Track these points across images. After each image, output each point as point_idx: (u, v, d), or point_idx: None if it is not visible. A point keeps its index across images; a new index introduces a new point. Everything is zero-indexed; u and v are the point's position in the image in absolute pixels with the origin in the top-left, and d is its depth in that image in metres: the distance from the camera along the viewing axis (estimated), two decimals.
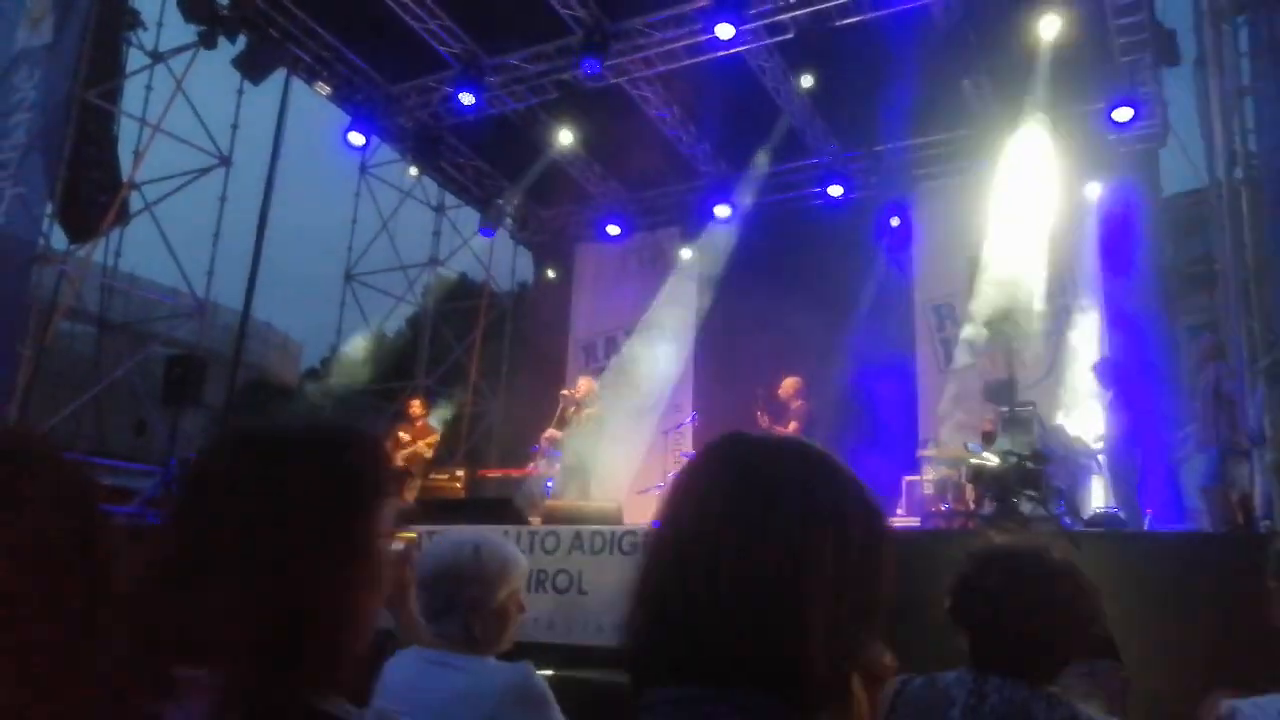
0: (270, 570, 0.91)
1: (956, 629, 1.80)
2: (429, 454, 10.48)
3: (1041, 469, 7.34)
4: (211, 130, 11.78)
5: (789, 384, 9.65)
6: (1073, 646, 1.75)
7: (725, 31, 9.64)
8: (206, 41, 10.60)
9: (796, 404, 9.47)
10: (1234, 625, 3.47)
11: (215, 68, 11.30)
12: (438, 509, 9.04)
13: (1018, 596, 1.72)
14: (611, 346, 13.71)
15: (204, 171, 11.84)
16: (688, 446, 11.47)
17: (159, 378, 10.56)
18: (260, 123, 12.07)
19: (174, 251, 11.37)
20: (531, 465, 10.40)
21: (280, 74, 11.38)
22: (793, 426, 9.30)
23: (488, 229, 14.36)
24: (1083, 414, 9.48)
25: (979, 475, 7.68)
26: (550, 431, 9.83)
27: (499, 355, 15.28)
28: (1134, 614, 3.74)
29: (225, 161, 11.85)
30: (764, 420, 9.36)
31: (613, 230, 13.68)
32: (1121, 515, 7.50)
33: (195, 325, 12.09)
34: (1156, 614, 3.90)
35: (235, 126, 11.98)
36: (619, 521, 7.26)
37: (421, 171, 13.44)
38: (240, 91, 11.96)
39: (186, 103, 11.20)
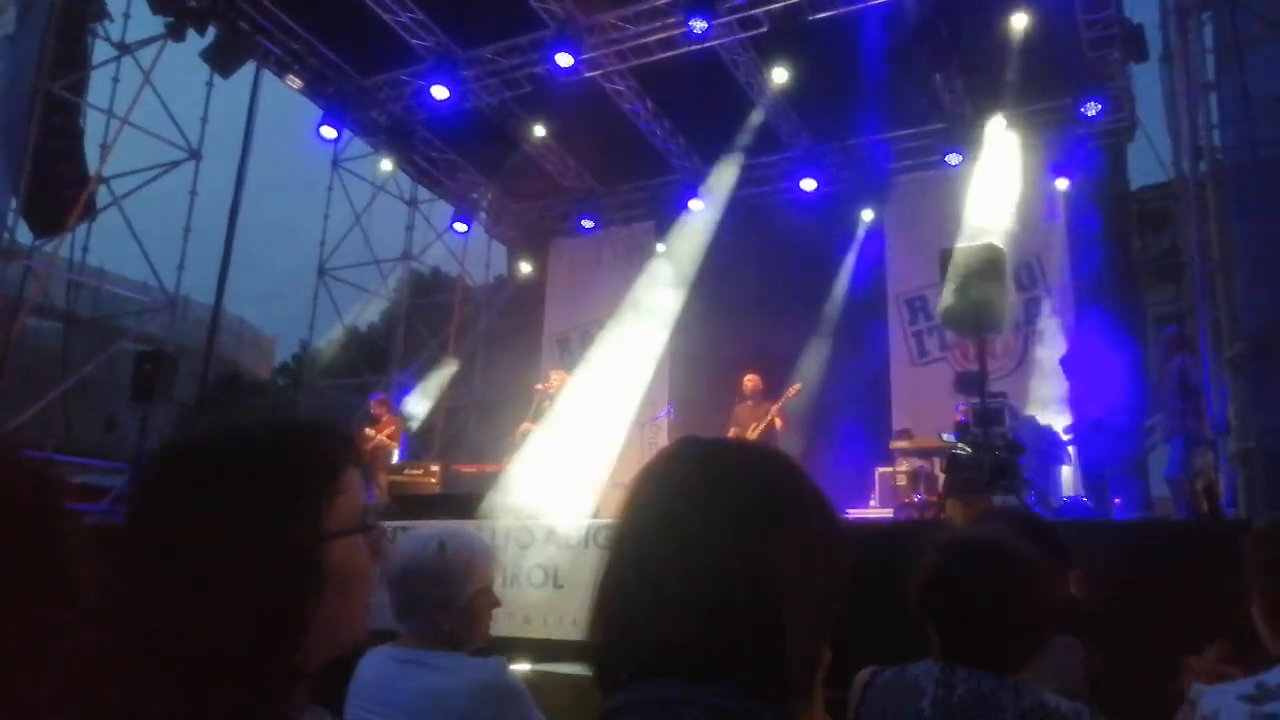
0: (196, 585, 0.86)
1: (925, 620, 1.82)
2: (394, 444, 10.44)
3: (1015, 459, 7.41)
4: (180, 123, 11.64)
5: (753, 380, 9.68)
6: (1040, 635, 1.76)
7: (698, 25, 9.65)
8: (174, 34, 10.46)
9: (770, 403, 9.48)
10: (1200, 611, 3.54)
11: (184, 60, 11.16)
12: (412, 504, 9.01)
13: (983, 589, 1.73)
14: (587, 340, 13.70)
15: (173, 165, 11.69)
16: (664, 439, 11.49)
17: (128, 373, 10.43)
18: (230, 116, 11.95)
19: (143, 246, 11.24)
20: (507, 460, 10.38)
21: (250, 66, 11.26)
22: (780, 425, 9.34)
23: (463, 221, 14.29)
24: (1052, 405, 9.60)
25: (955, 464, 7.75)
26: (525, 425, 9.81)
27: (473, 350, 15.22)
28: (1102, 601, 3.79)
29: (195, 155, 11.71)
30: (749, 418, 9.39)
31: (587, 224, 13.66)
32: (1090, 504, 7.61)
33: (165, 320, 11.95)
34: (1124, 600, 3.96)
35: (205, 120, 11.84)
36: (595, 515, 7.27)
37: (394, 165, 13.34)
38: (209, 84, 11.82)
39: (154, 95, 11.05)
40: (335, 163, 14.14)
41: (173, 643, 0.85)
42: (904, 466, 9.49)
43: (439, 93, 11.16)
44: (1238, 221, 6.58)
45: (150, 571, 0.88)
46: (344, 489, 0.98)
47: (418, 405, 12.86)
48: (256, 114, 11.52)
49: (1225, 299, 6.50)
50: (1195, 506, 7.04)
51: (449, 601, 2.23)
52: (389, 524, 7.18)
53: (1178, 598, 3.80)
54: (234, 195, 11.30)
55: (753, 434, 9.06)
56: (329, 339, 14.85)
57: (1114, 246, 10.73)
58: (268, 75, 11.80)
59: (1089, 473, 8.22)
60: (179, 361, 10.44)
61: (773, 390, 9.65)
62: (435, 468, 10.74)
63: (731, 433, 9.15)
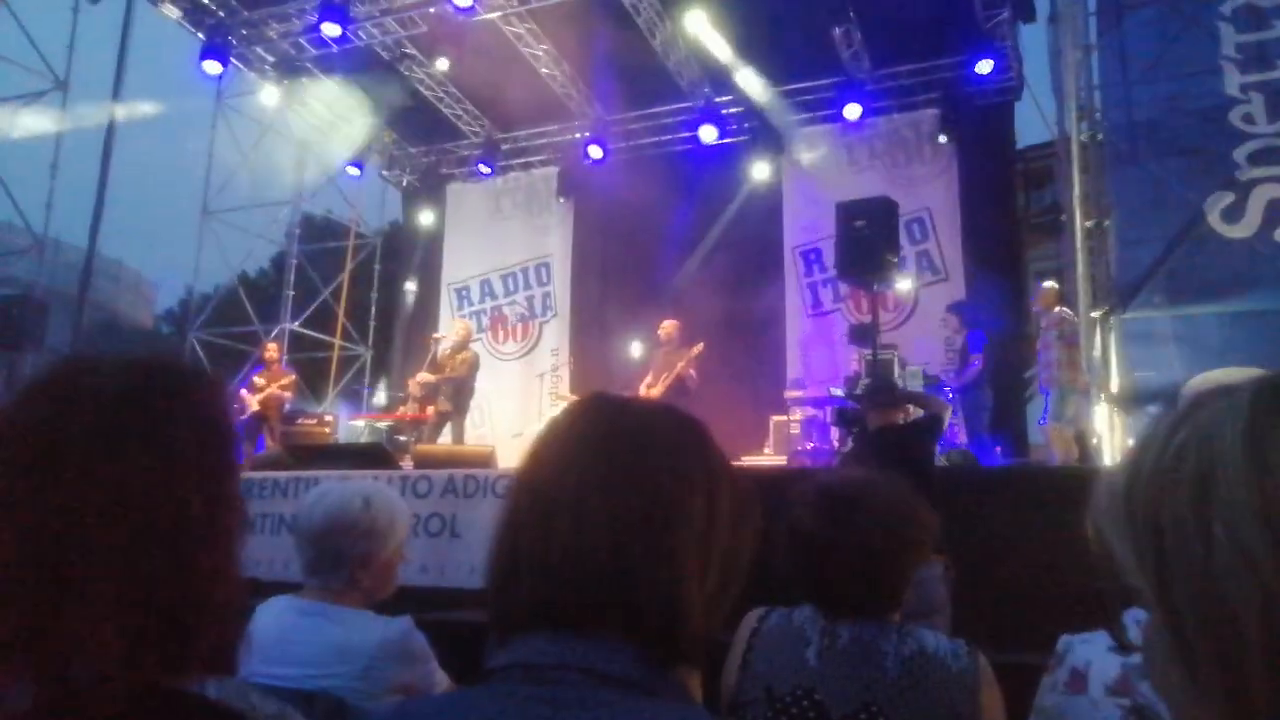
0: (146, 547, 0.80)
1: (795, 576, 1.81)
2: (288, 395, 10.17)
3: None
4: (44, 51, 10.89)
5: (667, 327, 9.63)
6: (906, 572, 1.78)
7: None
8: None
9: (682, 352, 9.43)
10: (1070, 552, 3.75)
11: None
12: (306, 454, 8.80)
13: (841, 541, 1.73)
14: (486, 288, 13.53)
15: (37, 95, 10.95)
16: (563, 390, 11.49)
17: None
18: (101, 45, 11.23)
19: (5, 183, 10.54)
20: (402, 410, 10.24)
21: None
22: (693, 378, 9.25)
23: (355, 165, 13.83)
24: (940, 356, 9.96)
25: (842, 416, 7.99)
26: (422, 375, 9.66)
27: (368, 298, 14.86)
28: (981, 542, 3.99)
29: (62, 86, 10.98)
30: (662, 367, 9.34)
31: (485, 170, 13.40)
32: (973, 451, 7.96)
33: (33, 262, 11.28)
34: (1002, 541, 4.17)
35: (71, 47, 11.09)
36: (493, 465, 7.24)
37: (284, 104, 12.75)
38: (75, 10, 11.05)
39: (12, 18, 10.29)
40: (219, 99, 13.47)
41: (91, 620, 0.78)
42: (797, 415, 9.73)
43: (330, 30, 10.69)
44: (1112, 181, 6.87)
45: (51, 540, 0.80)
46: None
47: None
48: (130, 43, 10.84)
49: (1100, 256, 6.82)
50: (1068, 452, 7.43)
51: (371, 558, 2.25)
52: (283, 475, 7.00)
53: (1051, 536, 4.02)
54: (107, 130, 10.66)
55: (663, 384, 9.00)
56: (216, 284, 14.27)
57: (1001, 203, 11.11)
58: (142, 2, 11.09)
59: (972, 420, 8.55)
60: (49, 306, 9.89)
61: (687, 337, 9.62)
62: (329, 418, 10.53)
63: (647, 379, 9.14)
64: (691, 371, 9.14)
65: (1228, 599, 0.52)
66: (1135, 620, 1.65)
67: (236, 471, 0.93)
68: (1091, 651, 1.60)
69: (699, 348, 9.36)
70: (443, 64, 11.77)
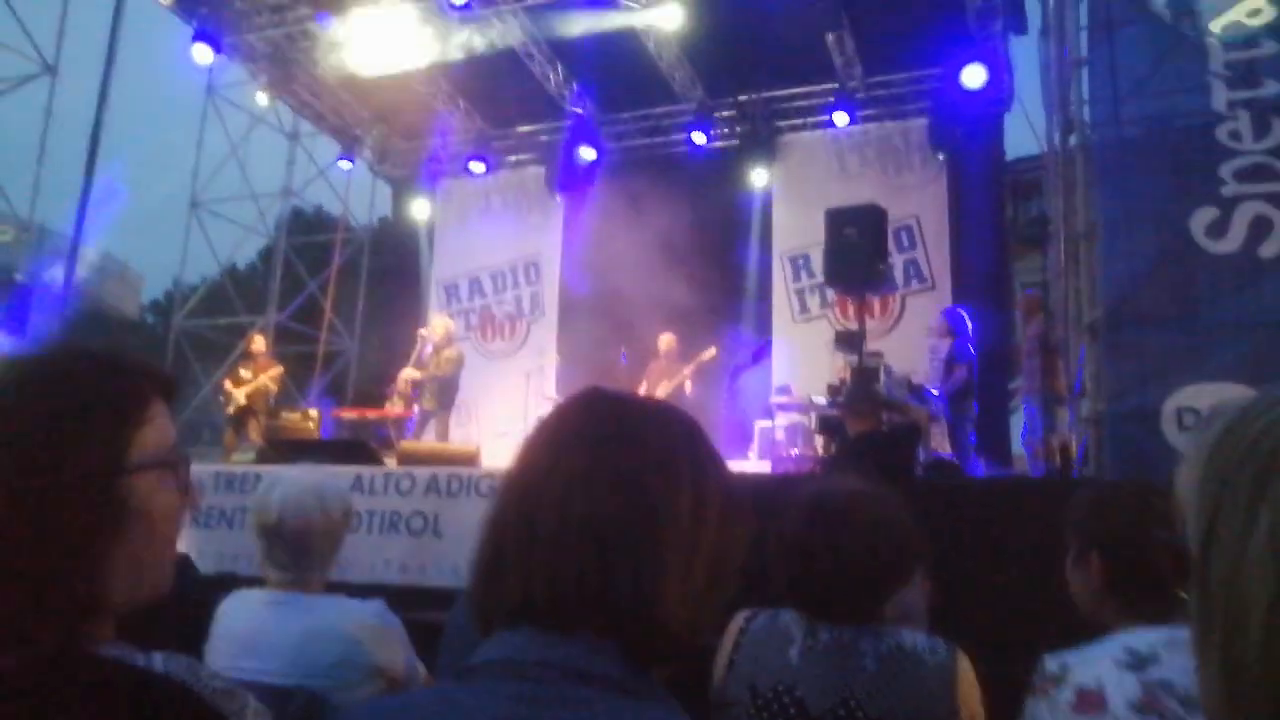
0: None
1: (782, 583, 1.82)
2: (274, 387, 10.11)
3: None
4: (34, 35, 10.80)
5: (668, 340, 9.73)
6: (886, 588, 1.79)
7: None
8: None
9: (682, 364, 9.51)
10: (1048, 563, 3.76)
11: None
12: (290, 449, 8.75)
13: (826, 553, 1.74)
14: (475, 286, 13.49)
15: (25, 80, 10.85)
16: (550, 389, 11.46)
17: None
18: (92, 31, 11.14)
19: None
20: (388, 406, 10.19)
21: None
22: (689, 388, 9.37)
23: (347, 158, 13.79)
24: (926, 364, 9.98)
25: (825, 424, 8.01)
26: (407, 372, 9.63)
27: (355, 292, 14.79)
28: (961, 554, 4.01)
29: (51, 71, 10.88)
30: (659, 376, 9.41)
31: (476, 167, 13.36)
32: (955, 461, 7.99)
33: (19, 249, 11.18)
34: (984, 552, 4.18)
35: (62, 33, 11.00)
36: (477, 464, 7.23)
37: (275, 96, 12.68)
38: None
39: (1, 1, 10.20)
40: (210, 89, 13.38)
41: None
42: (783, 421, 9.73)
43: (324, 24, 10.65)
44: (1100, 195, 6.91)
45: None
46: (146, 421, 0.95)
47: None
48: (121, 29, 10.76)
49: (1086, 268, 6.84)
50: (1049, 464, 7.47)
51: (333, 550, 2.33)
52: (264, 469, 6.96)
53: (1027, 546, 4.04)
54: (96, 114, 10.57)
55: (662, 393, 9.08)
56: (203, 276, 14.18)
57: (989, 213, 11.15)
58: None
59: (955, 430, 8.59)
60: (34, 294, 9.81)
61: (686, 350, 9.71)
62: (314, 412, 10.47)
63: (643, 389, 9.19)
64: (688, 384, 9.26)
65: (1249, 584, 0.53)
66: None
67: (121, 461, 0.91)
68: (1100, 669, 1.51)
69: (711, 352, 9.44)
70: (434, 60, 11.72)
